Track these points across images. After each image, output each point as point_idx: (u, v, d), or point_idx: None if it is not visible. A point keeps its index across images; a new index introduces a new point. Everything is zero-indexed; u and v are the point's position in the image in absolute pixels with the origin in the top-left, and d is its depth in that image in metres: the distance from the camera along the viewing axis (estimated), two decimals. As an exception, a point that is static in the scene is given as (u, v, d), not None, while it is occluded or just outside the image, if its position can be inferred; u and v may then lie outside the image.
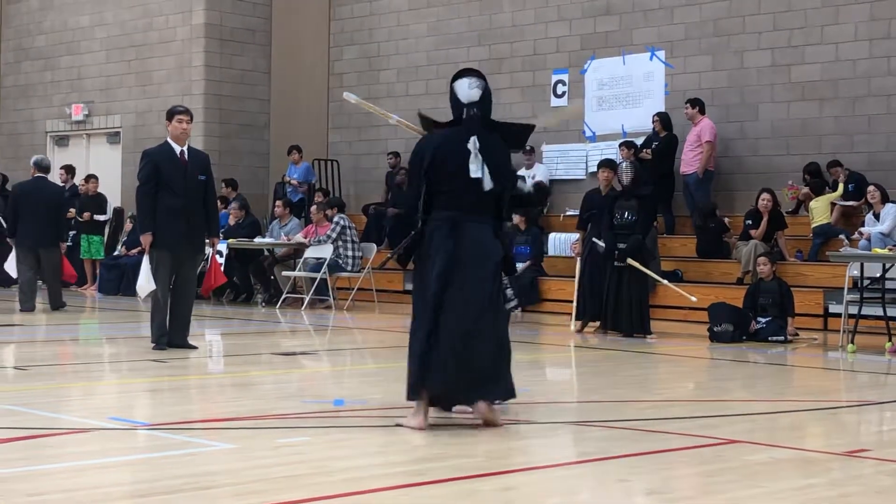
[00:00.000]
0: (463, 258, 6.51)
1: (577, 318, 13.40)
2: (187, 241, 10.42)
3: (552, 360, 11.36)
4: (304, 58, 20.04)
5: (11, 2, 22.81)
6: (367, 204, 18.75)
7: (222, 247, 16.42)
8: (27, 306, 14.63)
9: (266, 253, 17.20)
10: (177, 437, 6.21)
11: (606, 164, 13.73)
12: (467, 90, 6.80)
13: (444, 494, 5.04)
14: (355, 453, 5.92)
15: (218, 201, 12.05)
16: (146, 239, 10.41)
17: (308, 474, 5.31)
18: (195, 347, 10.57)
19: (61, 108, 21.86)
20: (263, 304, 16.61)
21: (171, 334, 10.49)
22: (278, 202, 17.75)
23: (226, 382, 9.00)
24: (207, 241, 10.75)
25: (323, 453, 5.86)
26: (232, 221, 17.52)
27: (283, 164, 19.37)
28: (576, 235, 14.39)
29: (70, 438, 6.21)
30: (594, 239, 13.29)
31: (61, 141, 22.27)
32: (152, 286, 10.34)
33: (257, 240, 17.07)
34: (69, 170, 19.79)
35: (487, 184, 6.58)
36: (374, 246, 16.92)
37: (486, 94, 6.89)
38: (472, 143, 6.61)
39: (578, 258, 13.62)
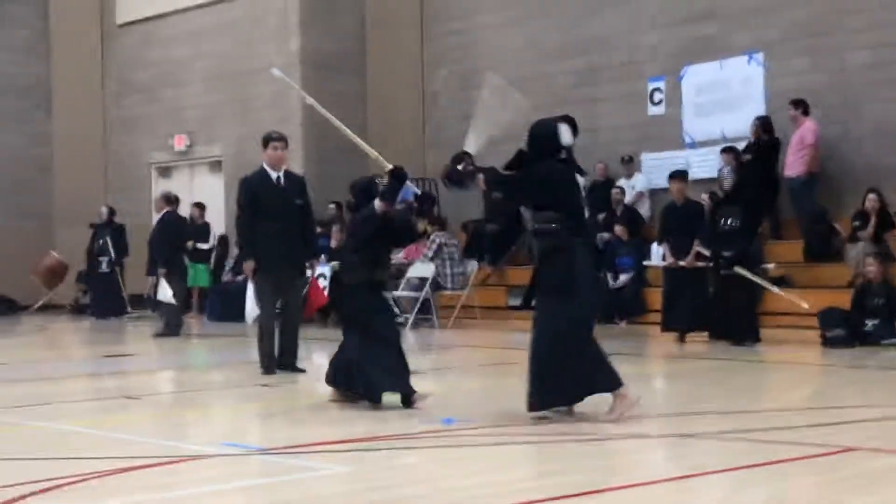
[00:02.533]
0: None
1: (665, 329, 13.38)
2: (288, 265, 10.51)
3: (660, 372, 11.23)
4: (399, 80, 20.15)
5: (115, 37, 23.32)
6: (465, 221, 18.76)
7: (325, 269, 16.55)
8: (176, 331, 15.41)
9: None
10: (290, 461, 6.25)
11: (677, 175, 13.66)
12: (568, 135, 7.73)
13: (559, 512, 5.00)
14: (469, 472, 5.91)
15: (315, 223, 12.10)
16: (248, 266, 10.58)
17: (423, 494, 5.31)
18: (303, 371, 10.66)
19: (164, 139, 22.26)
20: (368, 325, 16.68)
21: (280, 358, 10.60)
22: (379, 223, 17.82)
23: (333, 405, 9.04)
24: (307, 263, 10.83)
25: (437, 472, 5.86)
26: (334, 244, 17.65)
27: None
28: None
29: (185, 466, 6.29)
30: (698, 248, 13.18)
31: (165, 171, 22.68)
32: (251, 313, 10.51)
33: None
34: (168, 199, 20.12)
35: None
36: (475, 262, 16.92)
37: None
38: (581, 180, 7.79)
39: (662, 270, 13.59)
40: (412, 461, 6.22)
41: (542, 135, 7.83)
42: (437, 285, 16.11)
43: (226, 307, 18.56)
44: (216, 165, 21.63)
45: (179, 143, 21.90)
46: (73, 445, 7.05)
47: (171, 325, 15.40)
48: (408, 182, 8.70)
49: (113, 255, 20.18)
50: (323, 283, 16.56)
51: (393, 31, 20.21)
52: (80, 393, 10.18)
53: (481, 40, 19.24)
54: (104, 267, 20.24)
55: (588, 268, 7.55)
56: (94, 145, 23.43)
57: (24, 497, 5.34)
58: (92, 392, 10.41)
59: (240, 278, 17.84)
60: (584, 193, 7.82)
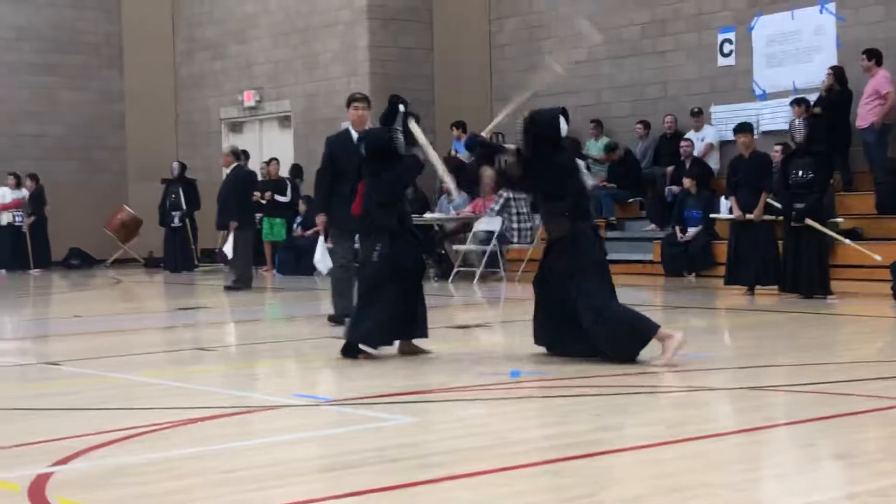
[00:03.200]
0: None
1: (730, 283, 13.34)
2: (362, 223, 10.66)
3: (730, 325, 11.17)
4: (466, 32, 20.09)
5: (180, -8, 23.48)
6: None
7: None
8: (247, 285, 15.56)
9: (436, 228, 17.34)
10: (360, 412, 6.34)
11: (743, 128, 13.48)
12: (565, 126, 8.18)
13: (626, 463, 5.03)
14: (535, 424, 5.95)
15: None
16: (320, 219, 10.90)
17: (490, 446, 5.36)
18: None
19: (233, 96, 22.42)
20: (435, 278, 16.78)
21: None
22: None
23: (403, 357, 9.12)
24: None
25: (503, 425, 5.91)
26: (404, 198, 17.69)
27: (448, 139, 19.48)
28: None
29: (258, 416, 6.41)
30: (769, 200, 13.06)
31: (235, 127, 22.86)
32: (328, 264, 10.79)
33: (426, 215, 17.22)
34: (235, 154, 20.33)
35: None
36: (543, 216, 16.90)
37: None
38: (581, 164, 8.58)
39: (730, 223, 13.47)
40: (477, 413, 6.27)
41: (546, 125, 8.18)
42: (504, 239, 16.13)
43: (296, 261, 18.75)
44: (285, 120, 21.76)
45: (248, 98, 22.05)
46: (148, 396, 7.21)
47: (242, 279, 15.58)
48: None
49: (185, 209, 20.44)
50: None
51: (460, -17, 20.12)
52: (155, 345, 10.37)
53: (547, -8, 19.10)
54: (176, 221, 20.51)
55: (595, 249, 8.18)
56: (165, 102, 23.67)
57: (100, 445, 5.48)
58: (166, 344, 10.60)
59: (309, 232, 18.02)
60: (586, 177, 8.65)
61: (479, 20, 20.00)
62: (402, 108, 8.95)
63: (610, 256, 16.87)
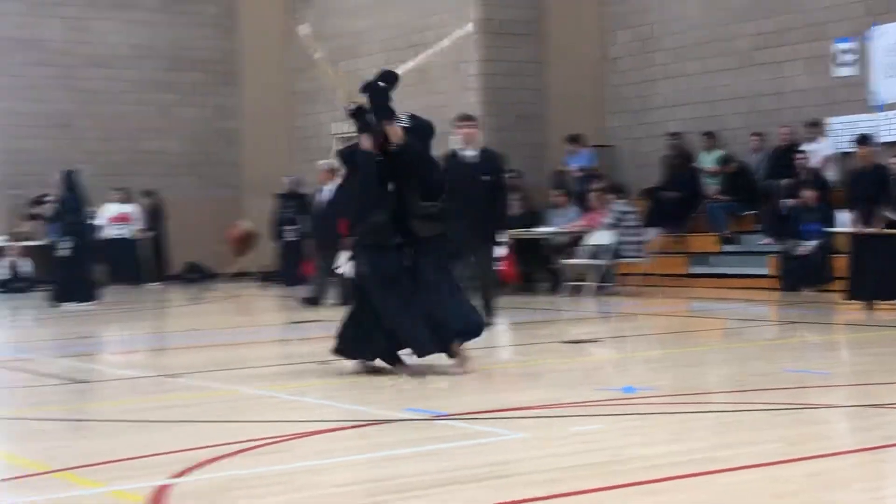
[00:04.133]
0: None
1: (851, 297, 13.00)
2: (475, 235, 11.16)
3: (847, 340, 10.95)
4: (578, 45, 20.02)
5: (299, 10, 23.78)
6: (646, 188, 18.57)
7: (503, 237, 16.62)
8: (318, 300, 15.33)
9: (547, 242, 17.30)
10: (473, 427, 6.34)
11: (863, 140, 13.23)
12: None
13: (748, 481, 4.95)
14: (650, 441, 5.89)
15: (507, 197, 12.39)
16: None
17: (605, 462, 5.32)
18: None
19: (346, 111, 22.63)
20: (547, 292, 16.73)
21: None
22: (557, 191, 17.83)
23: (515, 371, 9.13)
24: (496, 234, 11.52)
25: (617, 441, 5.86)
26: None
27: (559, 152, 19.44)
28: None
29: (372, 430, 6.45)
30: (886, 213, 12.78)
31: (347, 142, 23.07)
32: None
33: (537, 229, 17.20)
34: (333, 171, 20.64)
35: None
36: (655, 230, 16.75)
37: None
38: None
39: (850, 236, 13.20)
40: (591, 429, 6.23)
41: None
42: (615, 253, 16.02)
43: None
44: (396, 135, 21.90)
45: (360, 113, 22.24)
46: (264, 409, 7.31)
47: (318, 295, 15.45)
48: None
49: (297, 224, 20.68)
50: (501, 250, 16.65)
51: (571, -3, 20.06)
52: (270, 358, 10.51)
53: (660, 3, 18.95)
54: (290, 236, 20.76)
55: None
56: (279, 117, 24.02)
57: (218, 458, 5.57)
58: (281, 357, 10.74)
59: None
60: None
61: (591, 33, 19.92)
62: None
63: (724, 270, 16.76)
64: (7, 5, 22.21)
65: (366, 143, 8.41)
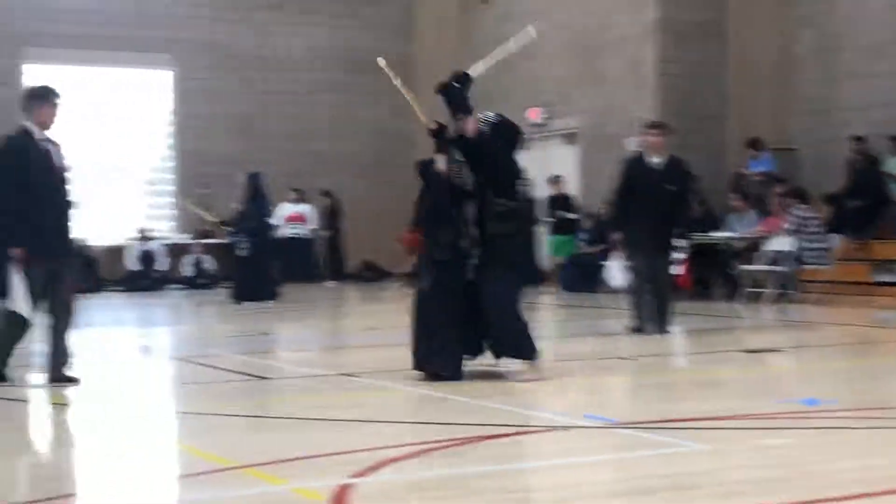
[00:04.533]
0: None
1: None
2: (654, 243, 11.33)
3: None
4: (761, 45, 19.57)
5: (476, 13, 23.92)
6: (829, 193, 18.04)
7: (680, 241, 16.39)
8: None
9: (725, 247, 16.97)
10: (651, 436, 6.25)
11: None
12: None
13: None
14: (835, 456, 5.71)
15: (689, 207, 12.34)
16: (615, 237, 11.96)
17: (790, 477, 5.18)
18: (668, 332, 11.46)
19: (520, 112, 22.65)
20: (724, 299, 16.41)
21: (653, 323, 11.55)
22: (736, 195, 17.47)
23: (693, 381, 8.98)
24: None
25: (801, 455, 5.70)
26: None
27: (738, 155, 19.03)
28: None
29: (546, 436, 6.42)
30: None
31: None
32: (618, 282, 11.25)
33: (715, 233, 16.88)
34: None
35: None
36: (838, 237, 16.26)
37: None
38: None
39: None
40: (774, 442, 6.07)
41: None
42: (796, 260, 15.60)
43: (581, 278, 18.74)
44: (571, 137, 21.81)
45: (535, 115, 22.22)
46: (439, 410, 7.35)
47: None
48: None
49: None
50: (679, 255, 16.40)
51: (754, -4, 19.62)
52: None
53: (847, 1, 18.37)
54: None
55: None
56: (455, 119, 24.21)
57: (397, 459, 5.63)
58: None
59: (595, 250, 18.02)
60: None
61: (773, 32, 19.43)
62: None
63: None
64: (200, 9, 22.95)
65: (441, 164, 8.43)
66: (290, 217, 21.86)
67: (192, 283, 20.98)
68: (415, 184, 9.41)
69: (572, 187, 20.78)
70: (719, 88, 19.90)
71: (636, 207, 11.36)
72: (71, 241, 8.88)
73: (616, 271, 11.81)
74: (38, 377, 9.00)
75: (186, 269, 21.34)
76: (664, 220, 11.36)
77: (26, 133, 8.63)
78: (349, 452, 5.80)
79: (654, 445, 6.05)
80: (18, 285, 8.39)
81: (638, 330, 11.56)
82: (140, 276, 20.89)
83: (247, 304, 16.73)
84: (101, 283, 20.83)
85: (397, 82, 8.93)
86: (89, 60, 22.12)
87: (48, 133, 8.73)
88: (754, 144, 18.39)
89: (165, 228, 22.83)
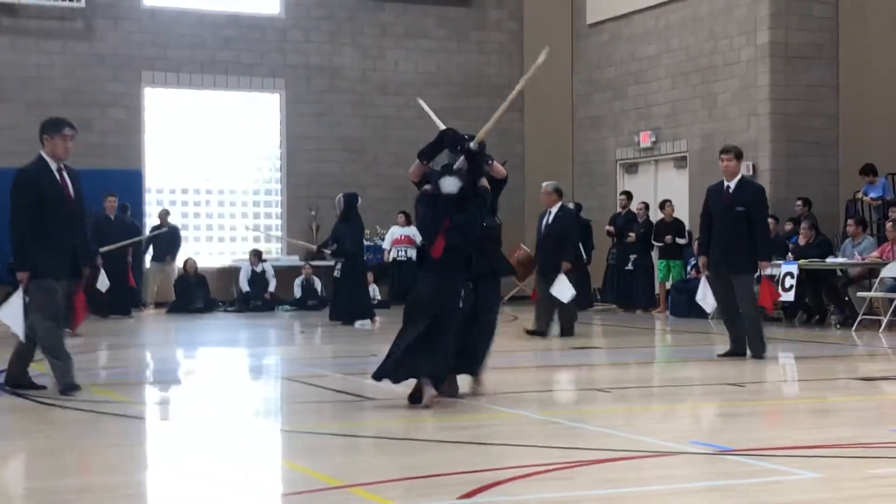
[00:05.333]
0: None
1: None
2: (726, 265, 11.61)
3: None
4: (875, 70, 19.22)
5: (584, 36, 23.89)
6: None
7: (792, 267, 16.16)
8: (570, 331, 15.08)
9: (839, 273, 16.65)
10: (760, 464, 6.15)
11: None
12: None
13: None
14: (954, 489, 5.55)
15: (765, 228, 12.22)
16: (701, 261, 12.07)
17: (904, 509, 5.06)
18: (762, 357, 11.42)
19: (630, 136, 22.55)
20: (838, 325, 16.08)
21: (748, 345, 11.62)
22: (850, 220, 17.14)
23: (804, 408, 8.82)
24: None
25: (918, 487, 5.56)
26: (802, 241, 17.16)
27: (854, 180, 18.68)
28: None
29: (652, 462, 6.36)
30: None
31: (631, 168, 22.97)
32: (711, 303, 11.98)
33: (829, 259, 16.57)
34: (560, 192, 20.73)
35: None
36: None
37: None
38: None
39: None
40: (888, 472, 5.93)
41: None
42: (913, 286, 15.22)
43: (690, 303, 18.50)
44: (681, 161, 21.63)
45: (645, 139, 22.10)
46: (545, 434, 7.32)
47: (564, 325, 14.95)
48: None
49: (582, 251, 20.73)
50: (791, 281, 16.15)
51: (868, 20, 19.29)
52: (548, 383, 10.55)
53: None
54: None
55: None
56: (564, 142, 24.13)
57: (503, 481, 5.62)
58: (559, 382, 10.76)
59: (697, 274, 17.82)
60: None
61: (888, 56, 19.06)
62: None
63: None
64: (310, 34, 23.29)
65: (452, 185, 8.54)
66: (399, 240, 21.99)
67: (301, 304, 21.22)
68: (521, 208, 9.57)
69: (682, 211, 20.59)
70: (832, 112, 19.58)
71: (714, 232, 11.77)
72: (83, 264, 9.27)
73: (705, 296, 11.98)
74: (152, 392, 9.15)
75: (296, 290, 21.59)
76: (737, 244, 11.56)
77: (41, 163, 9.02)
78: (457, 474, 5.82)
79: (765, 473, 5.95)
80: (16, 305, 8.89)
81: (729, 354, 11.62)
82: (251, 297, 21.20)
83: (345, 324, 16.89)
84: (213, 304, 21.19)
85: (435, 119, 9.27)
86: (204, 84, 22.58)
87: (65, 162, 9.08)
88: (868, 171, 18.03)
89: (275, 250, 23.15)
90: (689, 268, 19.55)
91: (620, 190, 22.05)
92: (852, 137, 19.40)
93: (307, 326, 17.60)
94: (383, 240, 22.37)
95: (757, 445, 6.64)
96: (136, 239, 20.16)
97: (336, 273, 17.51)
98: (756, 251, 11.70)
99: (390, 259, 21.70)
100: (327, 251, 17.87)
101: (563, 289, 14.66)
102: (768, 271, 12.60)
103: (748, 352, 11.58)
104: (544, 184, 15.51)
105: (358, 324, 16.98)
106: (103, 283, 17.65)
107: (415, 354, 8.24)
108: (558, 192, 15.16)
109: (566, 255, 14.89)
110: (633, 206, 20.71)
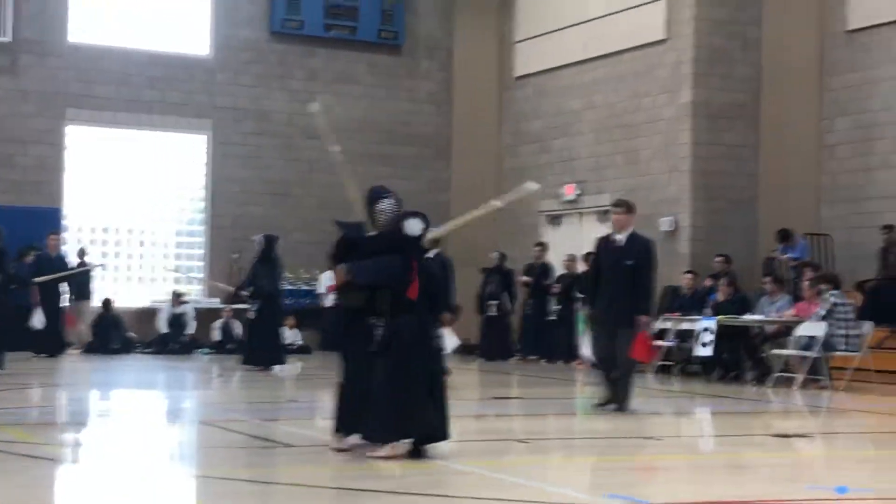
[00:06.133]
0: None
1: None
2: (614, 318, 11.72)
3: None
4: (794, 131, 19.60)
5: (512, 89, 24.10)
6: (861, 280, 17.95)
7: (710, 323, 16.37)
8: None
9: (756, 330, 16.88)
10: (676, 518, 6.18)
11: None
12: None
13: None
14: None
15: (649, 283, 12.23)
16: (588, 313, 12.56)
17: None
18: (634, 412, 11.55)
19: (555, 188, 22.73)
20: (754, 382, 16.28)
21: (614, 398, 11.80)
22: (768, 278, 17.40)
23: (721, 463, 8.88)
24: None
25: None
26: (721, 297, 17.37)
27: (772, 238, 18.97)
28: None
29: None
30: None
31: (554, 220, 23.14)
32: (588, 355, 12.52)
33: (746, 316, 16.79)
34: (543, 247, 21.00)
35: None
36: (871, 324, 16.12)
37: None
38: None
39: None
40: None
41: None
42: (828, 345, 15.48)
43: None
44: (604, 214, 21.82)
45: (569, 192, 22.30)
46: (462, 484, 7.28)
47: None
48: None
49: (500, 299, 20.81)
50: (709, 337, 16.34)
51: (789, 81, 19.68)
52: (468, 433, 10.51)
53: (883, 90, 18.39)
54: (493, 311, 20.90)
55: None
56: (489, 193, 24.19)
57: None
58: (479, 433, 10.73)
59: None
60: None
61: (808, 118, 19.46)
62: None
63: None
64: (239, 76, 23.22)
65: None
66: (331, 287, 21.90)
67: (220, 348, 21.00)
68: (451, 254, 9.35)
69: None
70: (752, 171, 19.92)
71: (602, 283, 11.86)
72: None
73: (586, 347, 12.29)
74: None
75: (216, 333, 21.37)
76: (624, 297, 11.67)
77: None
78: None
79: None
80: None
81: (602, 405, 11.83)
82: (170, 339, 20.94)
83: (260, 368, 16.70)
84: (131, 345, 20.90)
85: (336, 150, 8.68)
86: (129, 123, 22.39)
87: None
88: (784, 237, 18.32)
89: (196, 292, 22.93)
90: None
91: (540, 241, 22.20)
92: (771, 196, 19.73)
93: (225, 370, 17.40)
94: (307, 284, 22.26)
95: (673, 500, 6.67)
96: (76, 271, 19.96)
97: (251, 314, 17.33)
98: (637, 305, 11.81)
99: (324, 305, 21.56)
100: (245, 293, 17.67)
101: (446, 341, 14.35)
102: (650, 325, 12.76)
103: (614, 404, 11.77)
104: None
105: (277, 369, 16.82)
106: (39, 319, 17.42)
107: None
108: (543, 246, 15.39)
109: (439, 308, 14.59)
110: (552, 258, 20.85)
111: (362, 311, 8.26)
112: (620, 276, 11.77)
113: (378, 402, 8.01)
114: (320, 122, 8.27)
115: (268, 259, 17.31)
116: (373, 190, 8.60)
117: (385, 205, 8.44)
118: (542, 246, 21.34)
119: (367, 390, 8.06)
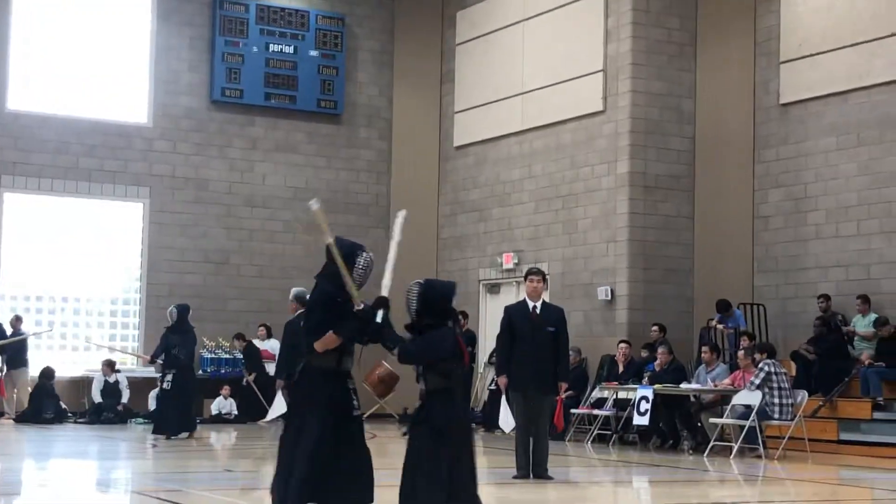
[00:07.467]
0: None
1: None
2: (535, 385, 11.85)
3: None
4: (728, 202, 19.91)
5: (451, 158, 24.30)
6: (796, 349, 18.18)
7: (647, 392, 16.47)
8: None
9: (692, 399, 17.00)
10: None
11: None
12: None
13: None
14: None
15: (567, 349, 12.62)
16: (502, 381, 12.09)
17: None
18: (552, 478, 11.71)
19: (493, 257, 22.86)
20: (691, 451, 16.36)
21: (534, 466, 11.86)
22: (704, 347, 17.57)
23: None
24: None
25: None
26: (657, 367, 17.51)
27: (708, 308, 19.19)
28: None
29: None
30: None
31: (493, 288, 23.23)
32: (511, 423, 12.12)
33: (683, 385, 16.92)
34: (464, 315, 21.10)
35: None
36: (805, 393, 16.31)
37: None
38: None
39: None
40: None
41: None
42: (763, 414, 15.62)
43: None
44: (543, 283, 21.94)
45: (507, 260, 22.44)
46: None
47: None
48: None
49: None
50: (645, 406, 16.43)
51: (724, 154, 20.03)
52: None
53: (816, 163, 18.75)
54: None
55: None
56: (428, 262, 24.32)
57: None
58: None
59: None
60: None
61: (742, 190, 19.79)
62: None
63: (877, 438, 16.15)
64: (178, 145, 23.20)
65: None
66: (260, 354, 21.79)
67: (149, 417, 20.75)
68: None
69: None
70: (688, 242, 20.18)
71: (520, 351, 11.93)
72: None
73: (506, 415, 12.35)
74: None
75: (150, 402, 21.11)
76: (547, 363, 11.85)
77: None
78: None
79: None
80: None
81: (523, 476, 11.87)
82: (104, 408, 20.66)
83: (168, 436, 16.72)
84: (64, 415, 20.60)
85: (329, 240, 8.47)
86: (66, 191, 22.25)
87: None
88: (723, 308, 18.52)
89: (130, 361, 22.66)
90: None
91: (483, 310, 22.27)
92: (707, 266, 19.98)
93: (159, 440, 17.19)
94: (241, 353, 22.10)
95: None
96: (12, 340, 19.82)
97: (166, 385, 17.29)
98: (559, 372, 12.00)
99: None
100: (159, 361, 17.59)
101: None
102: (566, 392, 13.11)
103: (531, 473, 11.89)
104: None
105: (183, 434, 16.87)
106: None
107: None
108: (300, 300, 13.67)
109: (279, 372, 14.03)
110: (488, 327, 20.93)
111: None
112: (542, 343, 11.94)
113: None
114: (320, 219, 8.25)
115: (182, 329, 17.31)
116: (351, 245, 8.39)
117: (363, 260, 8.39)
118: (463, 314, 21.28)
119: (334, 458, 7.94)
